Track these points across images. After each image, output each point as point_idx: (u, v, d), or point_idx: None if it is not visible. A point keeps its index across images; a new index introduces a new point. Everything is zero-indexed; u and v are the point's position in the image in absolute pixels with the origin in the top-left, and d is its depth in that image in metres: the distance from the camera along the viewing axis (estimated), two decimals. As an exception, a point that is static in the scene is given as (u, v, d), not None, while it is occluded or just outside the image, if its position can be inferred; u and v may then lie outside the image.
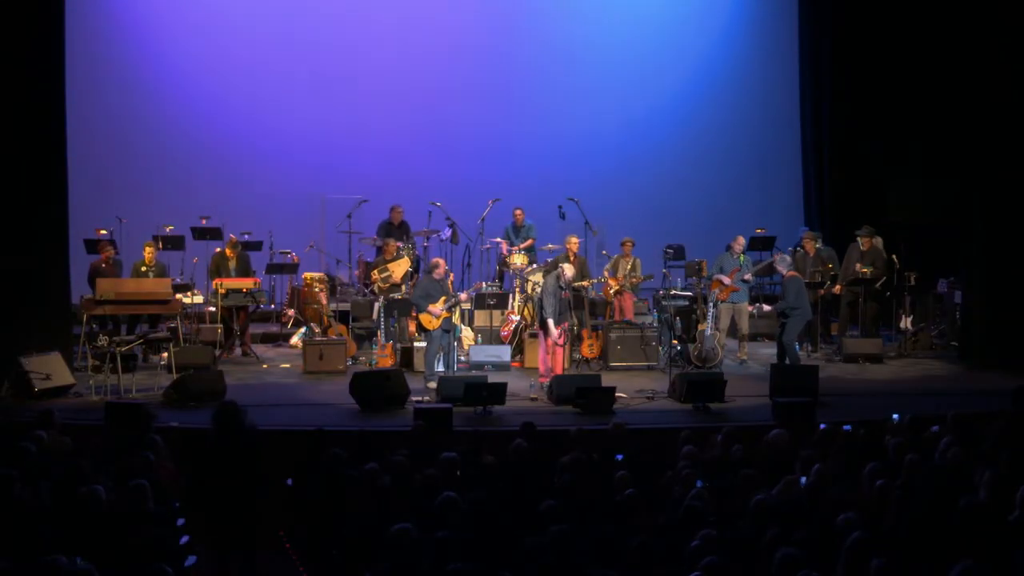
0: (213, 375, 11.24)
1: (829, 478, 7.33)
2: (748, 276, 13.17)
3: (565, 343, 11.84)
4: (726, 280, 13.13)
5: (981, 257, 13.25)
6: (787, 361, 12.33)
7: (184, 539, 7.20)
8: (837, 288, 14.03)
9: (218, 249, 14.14)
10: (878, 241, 14.19)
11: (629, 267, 13.84)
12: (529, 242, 14.67)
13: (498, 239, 14.95)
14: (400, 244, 14.17)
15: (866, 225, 14.17)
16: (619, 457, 8.49)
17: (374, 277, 13.57)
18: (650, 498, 7.36)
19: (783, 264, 12.59)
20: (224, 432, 7.23)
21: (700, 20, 17.64)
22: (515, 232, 14.81)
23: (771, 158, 17.67)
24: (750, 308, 13.36)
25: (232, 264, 13.66)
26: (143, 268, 13.25)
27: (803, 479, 7.33)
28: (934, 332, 14.72)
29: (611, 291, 13.81)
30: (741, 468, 7.58)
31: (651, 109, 17.40)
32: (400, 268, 13.59)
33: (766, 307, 12.89)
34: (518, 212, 14.86)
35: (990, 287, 13.17)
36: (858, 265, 13.86)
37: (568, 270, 11.78)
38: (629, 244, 13.91)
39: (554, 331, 11.54)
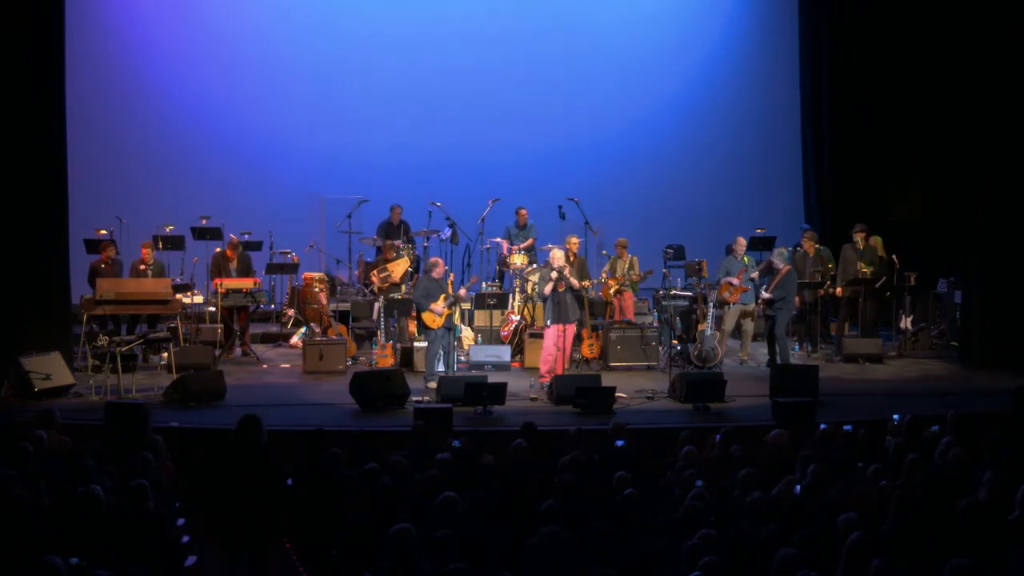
0: (213, 375, 11.24)
1: (827, 478, 7.33)
2: (755, 275, 13.20)
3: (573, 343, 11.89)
4: (735, 281, 13.13)
5: (981, 257, 13.25)
6: (779, 356, 12.42)
7: (184, 539, 7.20)
8: (839, 291, 14.02)
9: (218, 249, 14.14)
10: (875, 240, 14.22)
11: (627, 266, 13.85)
12: (530, 241, 14.67)
13: (498, 239, 14.95)
14: (400, 244, 14.17)
15: (859, 223, 14.17)
16: (620, 443, 8.51)
17: (373, 277, 13.57)
18: (650, 498, 7.37)
19: (780, 259, 12.77)
20: (243, 441, 7.19)
21: (701, 20, 17.65)
22: (518, 231, 14.80)
23: (771, 158, 17.67)
24: (755, 308, 13.40)
25: (233, 265, 13.66)
26: (142, 267, 13.25)
27: (797, 488, 7.31)
28: (934, 332, 14.72)
29: (611, 291, 13.82)
30: (741, 468, 7.58)
31: (651, 109, 17.39)
32: (399, 268, 13.59)
33: (766, 295, 12.82)
34: (522, 211, 14.85)
35: (990, 287, 13.17)
36: (860, 264, 13.86)
37: (556, 252, 11.80)
38: (623, 245, 13.95)
39: (550, 337, 11.55)
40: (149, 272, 13.20)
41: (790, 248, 14.43)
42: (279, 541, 7.53)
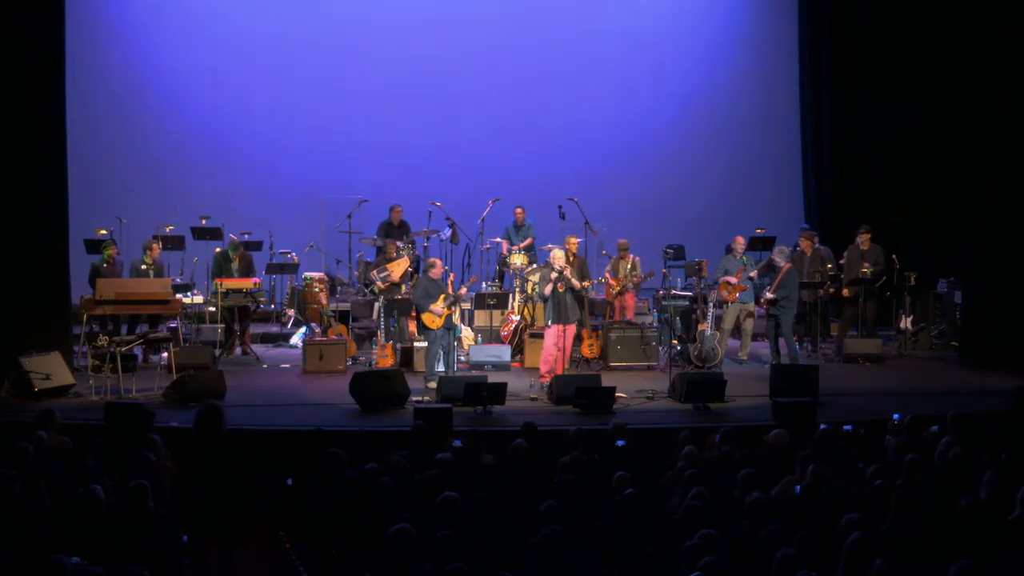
0: (213, 375, 11.23)
1: (827, 478, 7.33)
2: (753, 274, 13.20)
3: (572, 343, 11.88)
4: (733, 280, 13.13)
5: (981, 257, 13.25)
6: (786, 356, 12.44)
7: (184, 539, 7.20)
8: (845, 292, 14.03)
9: (218, 249, 14.15)
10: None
11: (629, 267, 13.84)
12: (529, 241, 14.67)
13: (498, 239, 14.95)
14: (400, 244, 14.15)
15: (864, 224, 14.19)
16: (620, 443, 8.51)
17: (372, 277, 13.58)
18: (650, 498, 7.37)
19: (782, 256, 12.74)
20: (204, 433, 7.27)
21: (700, 20, 17.64)
22: (516, 231, 14.81)
23: (771, 158, 17.66)
24: (755, 307, 13.41)
25: (235, 266, 13.65)
26: (143, 267, 13.25)
27: (797, 488, 7.31)
28: (934, 332, 14.73)
29: (613, 292, 13.80)
30: (741, 468, 7.58)
31: (651, 109, 17.39)
32: (399, 268, 13.59)
33: (770, 295, 12.79)
34: (519, 211, 14.85)
35: (990, 287, 13.18)
36: (864, 265, 13.87)
37: (556, 252, 11.81)
38: (624, 247, 13.93)
39: (550, 337, 11.55)
40: (150, 271, 13.21)
41: (791, 247, 14.45)
42: (246, 529, 7.56)
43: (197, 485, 7.20)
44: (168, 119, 16.40)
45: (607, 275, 13.92)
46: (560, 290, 11.51)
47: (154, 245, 13.42)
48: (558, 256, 11.77)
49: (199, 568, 7.24)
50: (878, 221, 14.69)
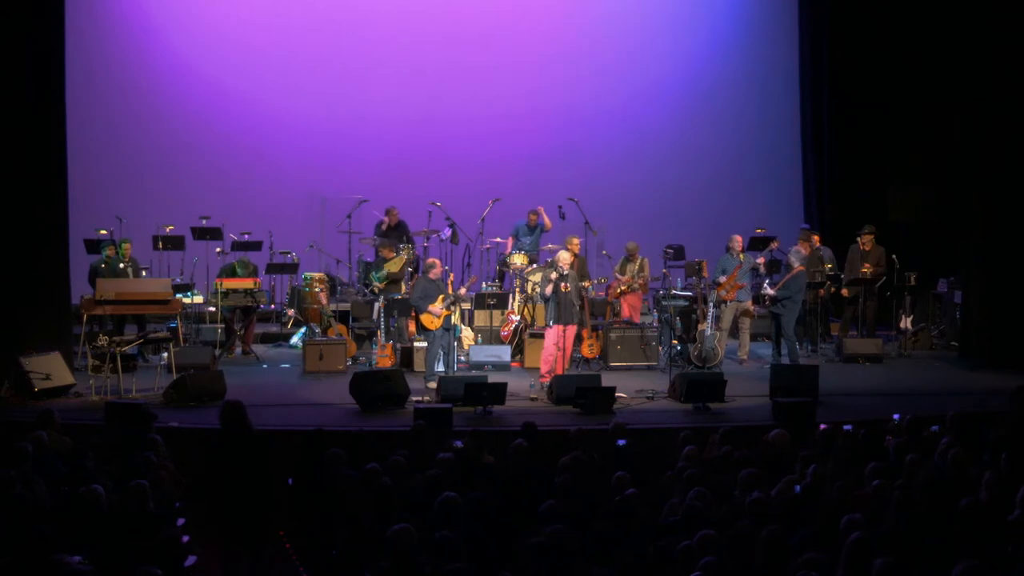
0: (213, 375, 11.24)
1: (826, 478, 7.33)
2: (761, 259, 13.22)
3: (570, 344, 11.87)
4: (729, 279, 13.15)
5: (981, 257, 13.25)
6: (784, 355, 12.42)
7: (184, 539, 7.20)
8: (844, 292, 14.04)
9: (219, 250, 14.14)
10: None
11: (637, 267, 13.82)
12: (547, 243, 14.66)
13: (499, 239, 14.94)
14: (400, 245, 14.13)
15: (868, 224, 14.20)
16: (621, 443, 8.51)
17: (371, 280, 13.58)
18: (650, 498, 7.37)
19: (796, 257, 12.80)
20: (231, 430, 7.23)
21: (701, 20, 17.62)
22: (529, 232, 14.76)
23: (771, 158, 17.65)
24: (753, 306, 13.41)
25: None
26: (121, 265, 13.24)
27: (797, 488, 7.31)
28: (934, 332, 14.74)
29: (618, 291, 13.79)
30: (741, 468, 7.58)
31: (651, 109, 17.38)
32: (397, 265, 13.60)
33: (770, 291, 12.82)
34: (532, 216, 14.79)
35: (990, 287, 13.18)
36: (866, 265, 13.87)
37: (562, 254, 11.80)
38: (633, 250, 13.90)
39: (550, 338, 11.55)
40: (128, 269, 13.20)
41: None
42: (275, 533, 7.54)
43: (224, 486, 7.11)
44: (168, 119, 16.37)
45: (616, 274, 13.90)
46: (564, 291, 11.51)
47: (125, 245, 13.40)
48: (563, 257, 11.76)
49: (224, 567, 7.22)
50: (878, 221, 14.69)
